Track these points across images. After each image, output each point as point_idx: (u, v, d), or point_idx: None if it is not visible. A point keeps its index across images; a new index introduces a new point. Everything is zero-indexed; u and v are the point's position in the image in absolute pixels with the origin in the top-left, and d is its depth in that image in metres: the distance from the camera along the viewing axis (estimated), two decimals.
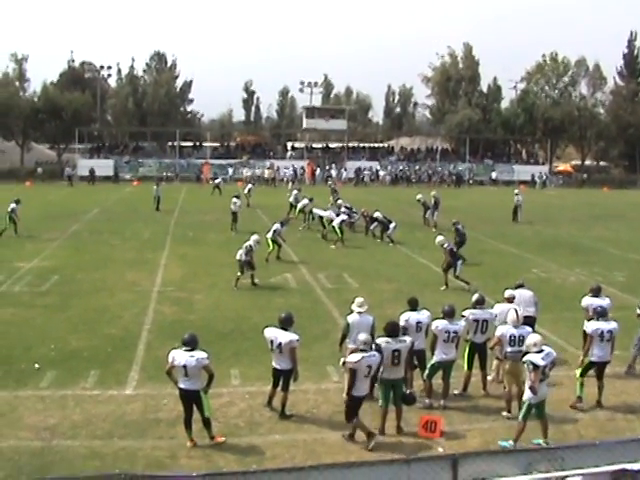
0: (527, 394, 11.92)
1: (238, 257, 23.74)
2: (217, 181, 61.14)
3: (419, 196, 41.11)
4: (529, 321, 15.25)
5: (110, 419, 12.93)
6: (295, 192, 43.09)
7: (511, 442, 12.03)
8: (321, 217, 35.77)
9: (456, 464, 8.12)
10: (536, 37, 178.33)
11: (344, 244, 32.56)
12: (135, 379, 15.03)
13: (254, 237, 24.55)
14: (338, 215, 34.77)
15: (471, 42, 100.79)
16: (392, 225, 34.01)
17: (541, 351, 12.03)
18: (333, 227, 33.25)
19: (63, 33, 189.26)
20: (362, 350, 12.10)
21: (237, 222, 36.88)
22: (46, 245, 31.72)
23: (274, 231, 27.91)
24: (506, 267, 27.36)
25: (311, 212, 38.30)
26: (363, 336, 12.40)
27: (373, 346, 12.32)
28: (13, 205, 35.24)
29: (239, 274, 23.53)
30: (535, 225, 41.68)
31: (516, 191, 47.55)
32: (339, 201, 39.08)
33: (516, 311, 13.87)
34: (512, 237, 36.35)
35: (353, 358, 12.05)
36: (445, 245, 24.48)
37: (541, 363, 11.86)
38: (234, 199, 37.72)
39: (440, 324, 13.82)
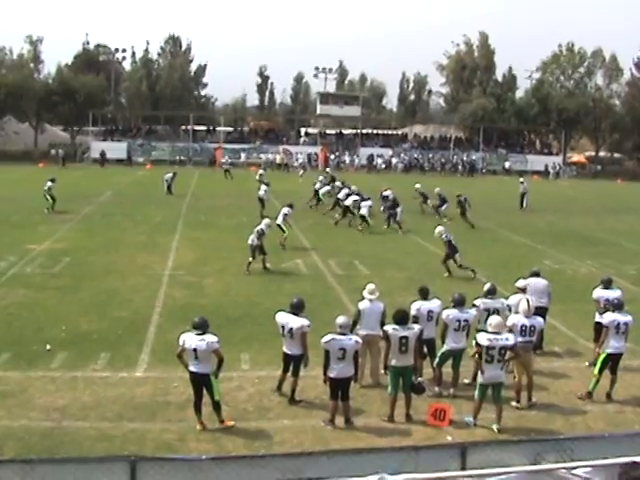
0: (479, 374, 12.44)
1: (250, 242, 23.75)
2: (225, 166, 61.79)
3: (417, 185, 41.30)
4: (541, 312, 15.21)
5: (120, 401, 12.98)
6: (321, 178, 43.63)
7: (471, 419, 12.49)
8: (347, 206, 35.48)
9: (465, 453, 8.13)
10: (552, 27, 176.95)
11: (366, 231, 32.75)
12: (145, 362, 15.09)
13: (265, 221, 24.58)
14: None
15: (487, 31, 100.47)
16: (399, 209, 34.28)
17: (496, 333, 12.31)
18: (362, 215, 33.50)
19: (78, 15, 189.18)
20: (340, 333, 12.26)
21: (264, 208, 36.31)
22: (58, 227, 31.80)
23: (284, 215, 27.89)
24: (518, 257, 27.28)
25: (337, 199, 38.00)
26: (341, 319, 12.52)
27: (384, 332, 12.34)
28: (50, 184, 37.20)
29: (251, 259, 23.55)
30: (547, 216, 41.52)
31: (521, 179, 47.77)
32: (353, 187, 38.89)
33: (528, 301, 13.83)
34: (524, 227, 36.23)
35: (323, 338, 12.26)
36: (444, 236, 24.38)
37: (484, 343, 12.21)
38: (263, 186, 38.67)
39: (451, 313, 13.82)
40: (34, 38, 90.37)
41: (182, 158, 77.61)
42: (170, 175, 47.25)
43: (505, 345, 12.34)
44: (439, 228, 25.14)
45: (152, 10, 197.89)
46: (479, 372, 12.48)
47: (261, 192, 37.77)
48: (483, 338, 12.32)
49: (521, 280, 15.94)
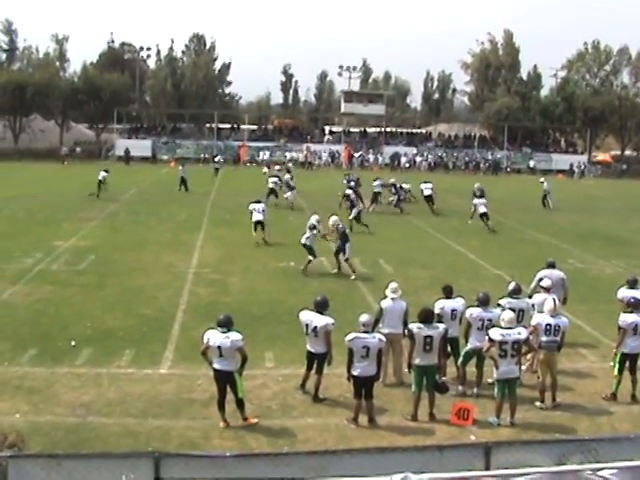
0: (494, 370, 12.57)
1: (304, 241, 23.64)
2: (216, 165, 60.47)
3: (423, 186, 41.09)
4: None
5: (144, 398, 13.06)
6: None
7: (495, 418, 12.49)
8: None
9: (489, 452, 8.11)
10: (578, 25, 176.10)
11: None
12: (170, 359, 15.16)
13: (314, 217, 24.50)
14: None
15: (512, 29, 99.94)
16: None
17: (508, 328, 12.38)
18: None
19: (103, 14, 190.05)
20: (363, 331, 12.29)
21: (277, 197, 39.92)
22: (83, 225, 32.01)
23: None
24: (542, 257, 26.84)
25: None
26: (364, 317, 12.54)
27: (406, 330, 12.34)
28: (103, 174, 40.23)
29: (311, 258, 23.42)
30: (572, 215, 41.24)
31: (542, 179, 47.52)
32: (391, 180, 41.24)
33: (554, 300, 13.76)
34: (549, 227, 36.02)
35: (347, 337, 12.29)
36: (339, 226, 23.88)
37: (496, 338, 12.30)
38: (273, 178, 41.21)
39: (474, 312, 13.78)
40: (60, 37, 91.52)
41: (206, 156, 77.73)
42: (181, 168, 48.28)
43: (518, 339, 12.39)
44: (333, 217, 24.35)
45: (176, 9, 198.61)
46: (494, 368, 12.53)
47: (271, 184, 40.30)
48: (496, 333, 12.39)
49: (546, 280, 15.86)
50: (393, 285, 14.45)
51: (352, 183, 39.13)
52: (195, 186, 47.09)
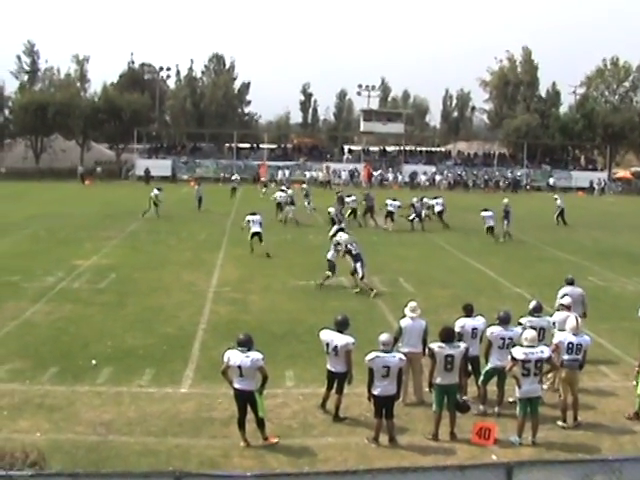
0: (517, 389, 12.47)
1: (329, 257, 23.87)
2: (234, 184, 59.41)
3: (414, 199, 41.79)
4: None
5: (164, 417, 13.07)
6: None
7: (517, 438, 12.40)
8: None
9: (511, 472, 8.04)
10: (596, 41, 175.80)
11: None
12: (190, 378, 15.17)
13: (344, 236, 24.77)
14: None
15: (530, 46, 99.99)
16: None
17: (531, 347, 12.35)
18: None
19: (124, 35, 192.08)
20: (383, 351, 12.26)
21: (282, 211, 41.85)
22: (104, 243, 32.18)
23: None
24: (563, 275, 26.74)
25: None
26: (384, 337, 12.52)
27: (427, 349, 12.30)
28: (156, 192, 40.01)
29: (329, 274, 23.64)
30: (593, 232, 41.03)
31: (555, 196, 47.86)
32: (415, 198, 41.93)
33: (576, 318, 13.68)
34: (569, 244, 35.84)
35: (367, 356, 12.26)
36: (348, 246, 24.04)
37: (519, 357, 12.25)
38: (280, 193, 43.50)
39: (495, 330, 13.72)
40: (81, 58, 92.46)
41: (226, 175, 77.95)
42: (197, 188, 48.78)
43: (541, 358, 12.35)
44: (345, 236, 25.08)
45: (196, 29, 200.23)
46: (516, 387, 12.43)
47: (278, 197, 42.32)
48: (519, 352, 12.33)
49: (567, 297, 15.78)
50: (412, 304, 14.42)
51: (371, 202, 41.06)
52: (215, 205, 47.34)
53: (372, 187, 68.08)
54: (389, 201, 40.23)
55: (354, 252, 23.79)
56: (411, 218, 39.88)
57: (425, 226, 39.65)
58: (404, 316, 14.35)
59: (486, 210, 36.58)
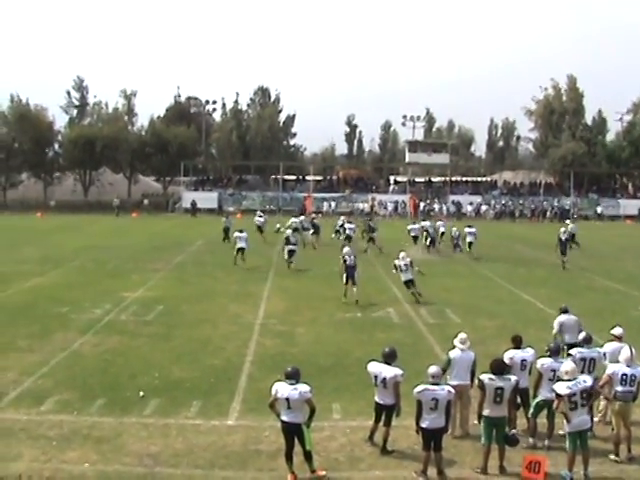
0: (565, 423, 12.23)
1: (410, 277, 26.45)
2: (258, 223, 52.50)
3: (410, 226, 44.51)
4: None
5: (211, 449, 13.02)
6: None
7: (567, 472, 12.08)
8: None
9: None
10: None
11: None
12: (237, 410, 15.12)
13: (407, 258, 26.96)
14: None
15: (575, 74, 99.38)
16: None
17: (573, 379, 12.12)
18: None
19: (170, 69, 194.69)
20: (432, 383, 12.14)
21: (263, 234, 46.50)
22: (151, 275, 32.42)
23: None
24: (612, 304, 26.58)
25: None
26: (433, 369, 12.39)
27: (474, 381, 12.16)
28: (237, 234, 37.22)
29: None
30: None
31: (567, 221, 47.49)
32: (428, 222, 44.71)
33: (631, 349, 13.42)
34: (618, 273, 35.35)
35: (416, 389, 12.13)
36: (345, 257, 27.03)
37: (563, 392, 11.99)
38: (258, 218, 48.11)
39: (546, 362, 13.51)
40: (128, 92, 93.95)
41: (272, 207, 78.34)
42: (225, 219, 48.67)
43: (585, 387, 12.13)
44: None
45: (241, 62, 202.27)
46: (565, 421, 12.19)
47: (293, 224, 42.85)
48: (562, 387, 12.07)
49: (618, 328, 15.47)
50: (462, 336, 14.26)
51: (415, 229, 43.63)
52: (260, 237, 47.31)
53: (419, 218, 67.84)
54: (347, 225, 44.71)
55: (348, 263, 26.69)
56: (428, 244, 41.67)
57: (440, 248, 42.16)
58: (453, 347, 14.20)
59: (470, 227, 40.77)
